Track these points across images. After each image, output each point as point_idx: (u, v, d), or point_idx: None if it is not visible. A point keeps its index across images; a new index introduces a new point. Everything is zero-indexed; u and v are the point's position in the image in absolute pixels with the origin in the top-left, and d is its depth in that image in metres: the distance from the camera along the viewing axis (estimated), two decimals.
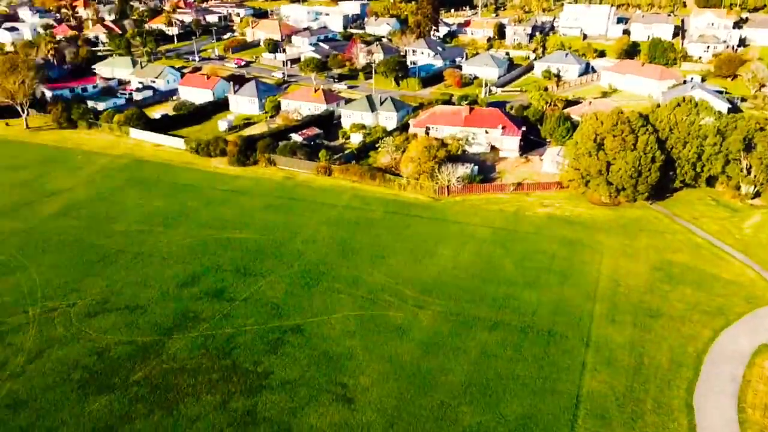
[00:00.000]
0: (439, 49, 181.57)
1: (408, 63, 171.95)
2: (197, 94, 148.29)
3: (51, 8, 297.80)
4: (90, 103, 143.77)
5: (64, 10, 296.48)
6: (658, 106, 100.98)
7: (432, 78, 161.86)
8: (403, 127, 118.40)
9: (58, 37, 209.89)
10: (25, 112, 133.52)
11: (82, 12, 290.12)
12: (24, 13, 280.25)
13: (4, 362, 54.95)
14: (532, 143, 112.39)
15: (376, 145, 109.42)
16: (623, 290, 66.52)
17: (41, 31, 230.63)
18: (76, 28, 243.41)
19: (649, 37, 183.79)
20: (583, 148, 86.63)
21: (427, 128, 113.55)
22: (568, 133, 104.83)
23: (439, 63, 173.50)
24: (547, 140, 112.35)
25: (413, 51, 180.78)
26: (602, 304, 63.97)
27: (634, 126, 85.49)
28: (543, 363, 54.70)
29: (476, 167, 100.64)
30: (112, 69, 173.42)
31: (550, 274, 69.98)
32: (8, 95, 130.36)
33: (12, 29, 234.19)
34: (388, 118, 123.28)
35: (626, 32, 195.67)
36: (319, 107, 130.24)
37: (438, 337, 58.26)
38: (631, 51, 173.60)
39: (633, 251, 75.37)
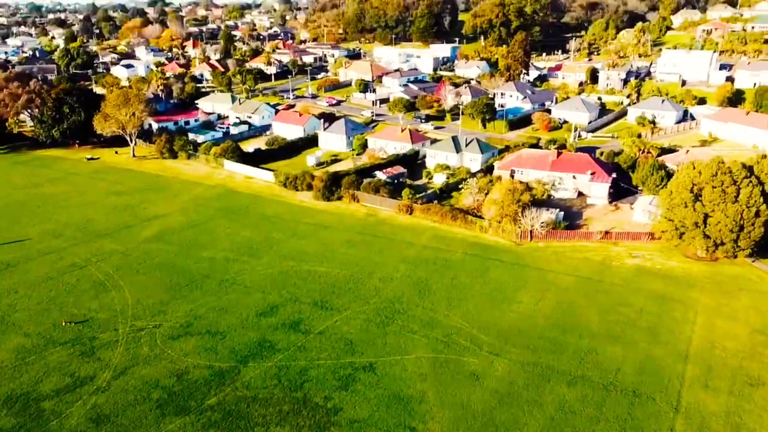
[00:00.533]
0: (529, 92, 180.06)
1: (496, 105, 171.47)
2: (289, 130, 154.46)
3: (164, 48, 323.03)
4: (191, 136, 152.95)
5: (175, 50, 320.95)
6: (764, 156, 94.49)
7: (520, 121, 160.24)
8: (487, 169, 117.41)
9: (167, 74, 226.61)
10: (133, 141, 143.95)
11: (191, 51, 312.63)
12: (140, 52, 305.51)
13: (93, 376, 57.95)
14: (622, 191, 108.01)
15: (460, 186, 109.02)
16: (719, 353, 61.52)
17: (153, 68, 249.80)
18: (185, 66, 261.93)
19: (755, 84, 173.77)
20: (678, 199, 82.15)
21: (512, 171, 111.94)
22: (662, 182, 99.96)
23: (527, 106, 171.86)
24: (639, 188, 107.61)
25: (502, 94, 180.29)
26: (695, 366, 59.37)
27: (736, 177, 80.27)
28: (626, 425, 51.15)
29: (562, 213, 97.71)
30: (213, 104, 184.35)
31: (636, 329, 65.98)
32: (120, 126, 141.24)
33: (128, 66, 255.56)
34: (473, 160, 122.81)
35: (730, 79, 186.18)
36: (404, 146, 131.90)
37: (513, 388, 56.01)
38: (734, 99, 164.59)
39: (731, 311, 69.86)
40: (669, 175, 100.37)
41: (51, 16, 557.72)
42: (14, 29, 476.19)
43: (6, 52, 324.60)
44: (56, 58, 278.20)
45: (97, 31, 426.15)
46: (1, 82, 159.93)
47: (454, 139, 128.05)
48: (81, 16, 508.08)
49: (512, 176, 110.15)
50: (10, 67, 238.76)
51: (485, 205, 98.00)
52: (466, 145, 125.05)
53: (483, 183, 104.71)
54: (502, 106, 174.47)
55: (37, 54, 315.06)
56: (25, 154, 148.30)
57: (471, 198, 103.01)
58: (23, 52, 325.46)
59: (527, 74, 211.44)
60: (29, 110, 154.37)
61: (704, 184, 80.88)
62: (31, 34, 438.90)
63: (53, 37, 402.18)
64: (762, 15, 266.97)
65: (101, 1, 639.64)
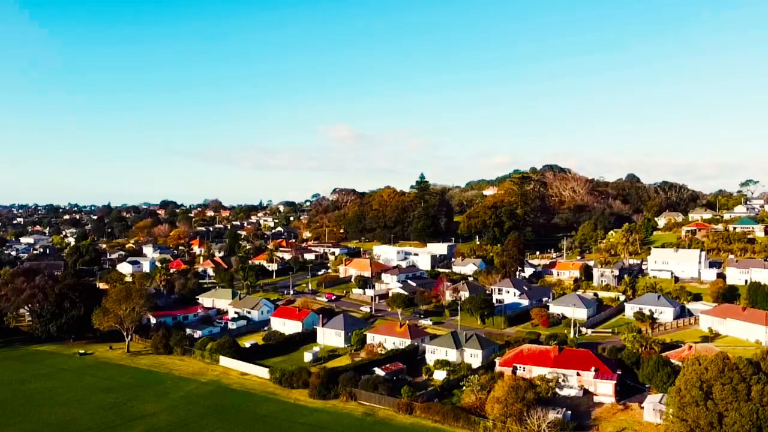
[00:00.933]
0: (525, 288, 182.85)
1: (494, 301, 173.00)
2: (287, 326, 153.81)
3: (171, 246, 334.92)
4: (188, 331, 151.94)
5: (181, 248, 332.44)
6: None
7: (518, 316, 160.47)
8: (488, 366, 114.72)
9: (171, 270, 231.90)
10: (129, 336, 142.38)
11: (197, 249, 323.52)
12: (147, 249, 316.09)
13: None
14: (629, 388, 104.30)
15: (461, 383, 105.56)
16: None
17: (158, 264, 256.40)
18: (189, 262, 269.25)
19: (746, 281, 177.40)
20: (688, 397, 79.16)
21: (514, 367, 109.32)
22: (669, 379, 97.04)
23: (525, 302, 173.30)
24: (647, 386, 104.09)
25: (499, 290, 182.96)
26: None
27: (744, 373, 78.29)
28: None
29: (569, 413, 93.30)
30: (213, 299, 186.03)
31: None
32: (118, 320, 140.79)
33: (134, 263, 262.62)
34: (474, 356, 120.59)
35: (721, 276, 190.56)
36: (403, 342, 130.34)
37: None
38: (728, 295, 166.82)
39: None
40: (675, 371, 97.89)
41: (67, 216, 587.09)
42: (29, 228, 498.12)
43: (17, 249, 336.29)
44: (65, 255, 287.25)
45: (109, 230, 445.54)
46: (7, 278, 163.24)
47: (454, 334, 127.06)
48: (95, 217, 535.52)
49: (514, 373, 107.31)
50: (18, 263, 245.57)
51: (488, 403, 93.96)
52: (466, 341, 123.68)
53: (485, 380, 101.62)
54: (499, 301, 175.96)
55: (47, 251, 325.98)
56: (18, 349, 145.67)
57: (473, 396, 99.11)
58: (34, 249, 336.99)
59: (522, 271, 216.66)
60: (30, 305, 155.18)
61: (713, 381, 78.64)
62: (44, 233, 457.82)
63: (66, 236, 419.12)
64: (741, 217, 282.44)
65: (116, 202, 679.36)
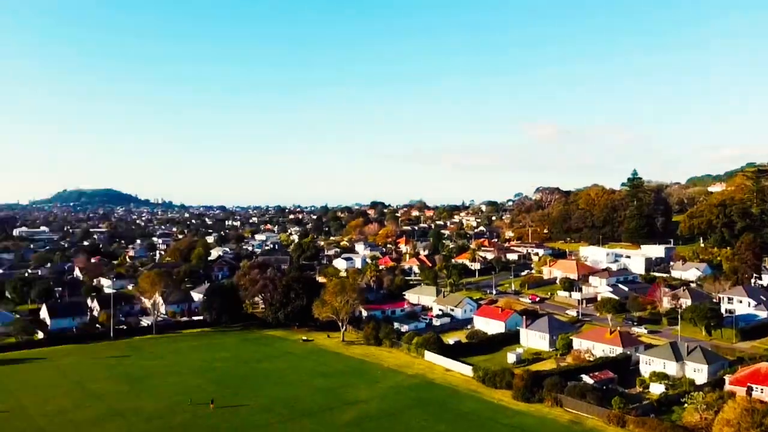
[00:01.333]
0: (763, 298, 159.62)
1: (722, 311, 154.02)
2: (490, 325, 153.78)
3: (380, 243, 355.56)
4: (396, 325, 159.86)
5: (388, 245, 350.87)
6: None
7: (754, 330, 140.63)
8: (715, 383, 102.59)
9: (380, 267, 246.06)
10: (344, 327, 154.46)
11: (403, 248, 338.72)
12: (359, 246, 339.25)
13: None
14: None
15: (682, 400, 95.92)
16: None
17: (369, 261, 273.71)
18: (396, 260, 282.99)
19: None
20: None
21: (749, 388, 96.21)
22: None
23: (762, 314, 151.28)
24: None
25: (729, 299, 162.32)
26: None
27: None
28: None
29: None
30: (418, 296, 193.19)
31: None
32: (334, 311, 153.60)
33: (348, 259, 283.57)
34: (697, 371, 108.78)
35: None
36: (614, 350, 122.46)
37: None
38: None
39: None
40: None
41: (291, 216, 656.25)
42: (262, 227, 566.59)
43: (253, 245, 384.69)
44: (291, 250, 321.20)
45: (326, 229, 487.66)
46: (246, 269, 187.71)
47: (673, 345, 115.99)
48: (315, 217, 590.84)
49: (749, 393, 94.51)
50: (254, 257, 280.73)
51: (716, 425, 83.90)
52: (688, 354, 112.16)
53: (711, 398, 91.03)
54: (729, 312, 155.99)
55: (276, 247, 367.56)
56: (253, 332, 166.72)
57: (697, 415, 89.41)
58: (266, 245, 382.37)
59: (759, 278, 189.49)
60: (263, 294, 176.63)
61: None
62: (273, 231, 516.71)
63: (291, 233, 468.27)
64: None
65: (332, 203, 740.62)
